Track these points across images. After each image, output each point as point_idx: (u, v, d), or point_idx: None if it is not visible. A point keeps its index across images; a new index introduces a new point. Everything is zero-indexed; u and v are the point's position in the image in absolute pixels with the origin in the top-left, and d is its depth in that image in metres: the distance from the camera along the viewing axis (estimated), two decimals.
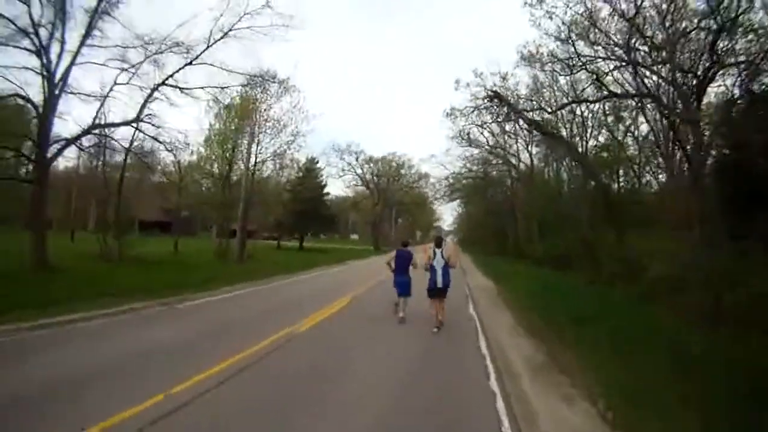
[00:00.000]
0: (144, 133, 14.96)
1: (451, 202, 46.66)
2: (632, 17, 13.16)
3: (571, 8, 13.57)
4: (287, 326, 6.87)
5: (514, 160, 30.20)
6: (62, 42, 12.87)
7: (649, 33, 13.95)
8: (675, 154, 19.84)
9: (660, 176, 23.39)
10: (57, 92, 12.64)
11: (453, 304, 9.77)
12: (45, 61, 12.36)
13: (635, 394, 3.93)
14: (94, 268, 13.22)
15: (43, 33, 12.31)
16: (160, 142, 14.83)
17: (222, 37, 14.69)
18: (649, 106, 20.71)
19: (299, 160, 24.76)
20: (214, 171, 21.12)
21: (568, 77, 16.04)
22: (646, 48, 14.24)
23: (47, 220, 15.97)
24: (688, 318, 7.99)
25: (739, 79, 13.13)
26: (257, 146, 20.22)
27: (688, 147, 16.28)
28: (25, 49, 12.17)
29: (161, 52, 13.66)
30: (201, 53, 14.44)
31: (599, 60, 14.02)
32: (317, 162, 43.14)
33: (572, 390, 4.40)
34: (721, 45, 12.66)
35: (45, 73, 12.36)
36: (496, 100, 14.28)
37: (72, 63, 13.54)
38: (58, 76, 12.66)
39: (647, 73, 17.87)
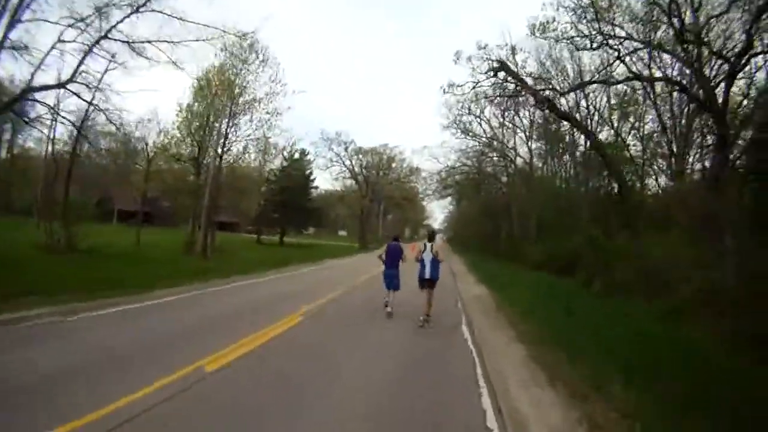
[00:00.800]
0: (78, 96, 12.82)
1: (442, 200, 45.08)
2: None
3: None
4: (189, 363, 4.49)
5: (511, 155, 28.59)
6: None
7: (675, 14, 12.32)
8: (688, 152, 18.43)
9: (660, 178, 22.04)
10: None
11: (442, 322, 8.03)
12: None
13: None
14: (24, 260, 11.18)
15: None
16: (100, 110, 12.65)
17: None
18: (658, 100, 19.33)
19: (279, 146, 22.40)
20: (182, 153, 18.88)
21: (587, 51, 14.14)
22: (671, 31, 12.62)
23: None
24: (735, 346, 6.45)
25: None
26: (227, 124, 17.88)
27: (711, 142, 14.82)
28: None
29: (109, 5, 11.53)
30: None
31: (620, 39, 12.28)
32: (308, 154, 41.09)
33: None
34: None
35: None
36: (502, 73, 12.45)
37: (14, 18, 11.58)
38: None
39: (669, 61, 16.37)
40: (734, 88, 13.22)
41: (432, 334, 7.10)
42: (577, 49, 13.75)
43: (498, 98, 15.92)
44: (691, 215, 13.35)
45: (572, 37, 12.45)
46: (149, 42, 12.50)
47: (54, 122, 15.67)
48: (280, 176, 35.77)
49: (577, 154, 24.35)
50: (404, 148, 53.76)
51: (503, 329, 7.86)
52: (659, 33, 13.01)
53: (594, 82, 16.31)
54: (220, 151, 17.81)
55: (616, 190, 16.44)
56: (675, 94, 17.83)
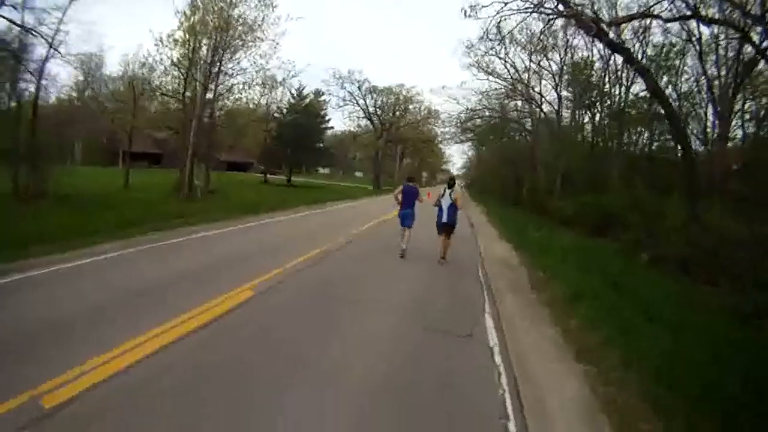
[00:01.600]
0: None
1: (461, 144, 41.99)
2: None
3: None
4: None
5: (538, 99, 25.25)
6: None
7: None
8: (732, 116, 15.74)
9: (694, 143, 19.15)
10: None
11: (456, 317, 5.59)
12: None
13: None
14: None
15: None
16: (27, 30, 10.40)
17: None
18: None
19: (276, 78, 19.64)
20: (166, 87, 16.54)
21: None
22: None
23: None
24: None
25: None
26: (211, 47, 15.29)
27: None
28: None
29: None
30: None
31: None
32: (322, 94, 38.10)
33: None
34: None
35: None
36: None
37: None
38: None
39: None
40: None
41: (440, 338, 5.26)
42: None
43: (532, 17, 12.91)
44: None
45: None
46: None
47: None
48: (287, 114, 33.30)
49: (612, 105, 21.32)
50: (421, 89, 49.75)
51: (555, 344, 4.71)
52: None
53: (647, 15, 13.07)
54: (207, 83, 15.42)
55: (679, 148, 13.81)
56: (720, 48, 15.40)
